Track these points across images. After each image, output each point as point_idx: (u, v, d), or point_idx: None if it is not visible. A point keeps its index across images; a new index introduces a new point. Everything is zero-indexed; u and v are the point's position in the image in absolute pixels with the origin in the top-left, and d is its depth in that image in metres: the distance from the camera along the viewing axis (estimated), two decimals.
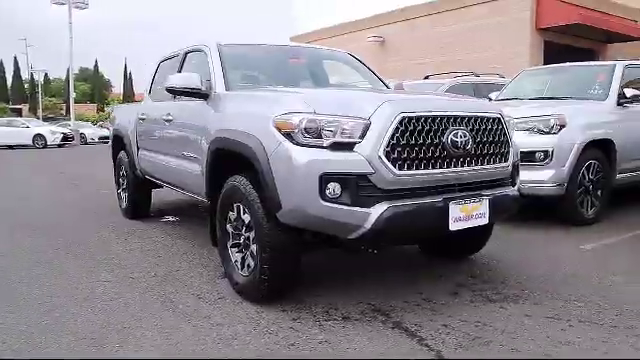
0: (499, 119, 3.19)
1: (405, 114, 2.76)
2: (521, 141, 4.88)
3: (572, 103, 5.58)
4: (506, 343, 2.62)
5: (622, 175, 5.62)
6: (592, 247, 4.46)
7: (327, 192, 2.69)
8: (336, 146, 2.73)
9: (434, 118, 2.85)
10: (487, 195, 3.07)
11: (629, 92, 5.59)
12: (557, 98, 5.98)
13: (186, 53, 4.64)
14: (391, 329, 2.80)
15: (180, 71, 4.57)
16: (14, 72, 66.63)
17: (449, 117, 2.91)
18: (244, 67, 4.11)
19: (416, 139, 2.78)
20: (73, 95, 27.26)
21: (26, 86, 68.02)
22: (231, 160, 3.32)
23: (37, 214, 6.31)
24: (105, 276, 3.79)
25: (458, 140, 2.88)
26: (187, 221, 5.76)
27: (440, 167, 2.86)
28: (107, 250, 4.53)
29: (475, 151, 3.01)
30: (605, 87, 5.76)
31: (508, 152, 3.24)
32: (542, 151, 4.99)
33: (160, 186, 5.86)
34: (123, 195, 6.13)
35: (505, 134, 3.23)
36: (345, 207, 2.68)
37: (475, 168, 3.02)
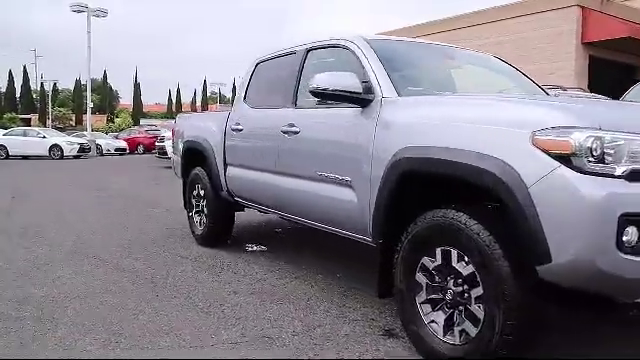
0: None
1: None
2: None
3: None
4: None
5: None
6: None
7: (624, 239, 1.87)
8: (634, 175, 1.91)
9: None
10: None
11: None
12: None
13: (308, 50, 3.84)
14: None
15: (301, 73, 3.78)
16: (23, 82, 66.06)
17: None
18: (401, 68, 3.28)
19: None
20: (91, 105, 26.51)
21: (34, 96, 67.47)
22: (428, 188, 2.51)
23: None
24: (229, 336, 2.95)
25: None
26: (275, 251, 4.91)
27: None
28: (208, 294, 3.66)
29: None
30: None
31: None
32: None
33: (242, 209, 5.04)
34: (197, 219, 5.27)
35: None
36: None
37: None
